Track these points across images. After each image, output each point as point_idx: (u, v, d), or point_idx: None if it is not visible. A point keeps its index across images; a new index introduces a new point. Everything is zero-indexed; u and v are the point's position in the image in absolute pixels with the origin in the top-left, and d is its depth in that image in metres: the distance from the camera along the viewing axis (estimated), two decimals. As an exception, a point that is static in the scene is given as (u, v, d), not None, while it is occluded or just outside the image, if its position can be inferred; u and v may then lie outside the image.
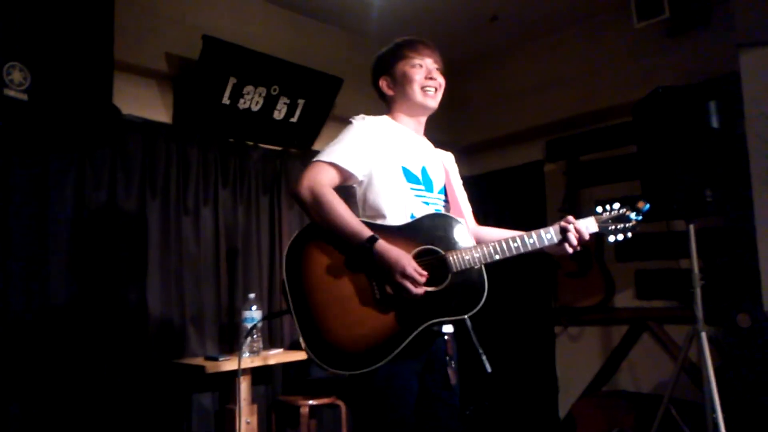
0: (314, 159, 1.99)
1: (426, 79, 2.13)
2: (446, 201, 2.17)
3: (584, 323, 4.84)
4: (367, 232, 1.85)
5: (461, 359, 2.13)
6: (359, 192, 2.03)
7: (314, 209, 1.91)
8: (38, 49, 1.84)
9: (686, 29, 4.09)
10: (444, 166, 2.25)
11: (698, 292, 3.26)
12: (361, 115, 2.12)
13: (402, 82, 2.14)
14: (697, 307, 3.24)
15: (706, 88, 3.47)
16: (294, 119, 4.17)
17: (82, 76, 2.04)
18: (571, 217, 2.04)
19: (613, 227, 2.08)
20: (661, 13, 3.94)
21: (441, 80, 2.17)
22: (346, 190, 2.04)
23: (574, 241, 2.01)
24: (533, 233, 2.03)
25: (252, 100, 3.87)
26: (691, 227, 3.33)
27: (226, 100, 3.74)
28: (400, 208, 1.99)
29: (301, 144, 4.37)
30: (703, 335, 3.16)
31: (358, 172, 1.99)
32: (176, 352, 3.52)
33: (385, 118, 2.18)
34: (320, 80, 4.15)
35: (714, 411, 2.98)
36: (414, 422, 1.95)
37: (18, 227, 3.02)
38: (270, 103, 3.98)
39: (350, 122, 2.11)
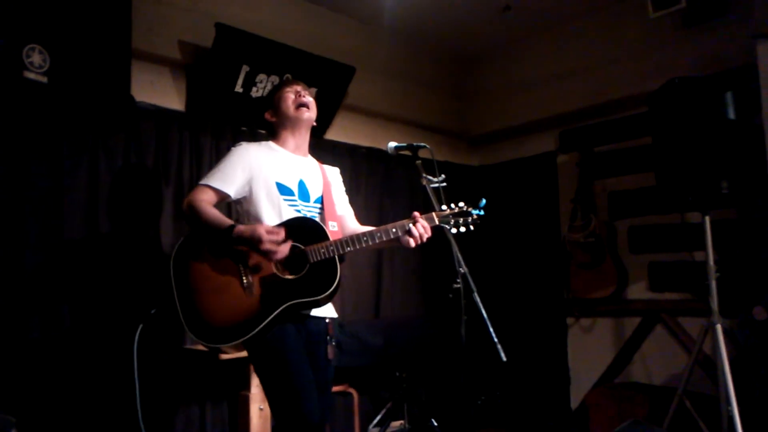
0: (197, 182, 2.47)
1: (297, 97, 2.55)
2: (322, 208, 2.56)
3: (597, 315, 4.83)
4: (228, 222, 2.28)
5: (476, 349, 2.15)
6: (245, 206, 2.47)
7: (190, 217, 2.34)
8: (57, 32, 1.84)
9: (702, 19, 4.05)
10: (326, 179, 2.65)
11: (713, 284, 3.24)
12: (240, 143, 2.55)
13: (278, 106, 2.56)
14: (713, 300, 3.22)
15: (723, 78, 3.43)
16: (306, 108, 4.16)
17: (99, 63, 2.04)
18: (416, 213, 2.40)
19: (454, 221, 2.43)
20: (677, 3, 3.90)
21: (310, 98, 2.58)
22: (238, 204, 2.50)
23: (416, 234, 2.37)
24: (382, 229, 2.40)
25: (265, 88, 3.86)
26: (707, 219, 3.30)
27: (239, 88, 3.74)
28: (273, 215, 2.41)
29: (314, 133, 4.30)
30: (719, 328, 3.14)
31: (231, 191, 2.41)
32: (190, 339, 3.53)
33: (267, 143, 2.60)
34: (333, 69, 4.13)
35: (729, 404, 2.96)
36: (306, 363, 2.30)
37: (34, 213, 3.05)
38: (283, 92, 3.97)
39: (231, 149, 2.53)
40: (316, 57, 4.00)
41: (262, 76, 3.80)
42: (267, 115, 2.61)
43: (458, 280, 2.38)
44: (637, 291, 4.59)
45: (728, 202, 3.34)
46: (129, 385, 3.03)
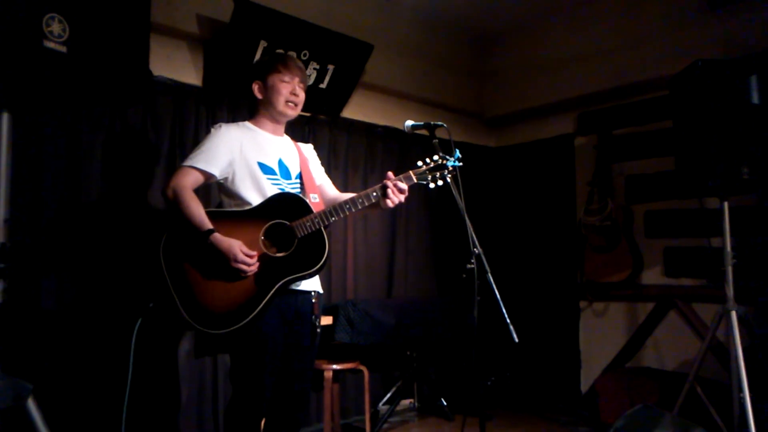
0: (180, 164, 2.47)
1: (290, 94, 2.54)
2: (302, 183, 2.61)
3: (610, 299, 4.81)
4: (207, 226, 2.30)
5: (488, 330, 2.14)
6: (228, 186, 2.48)
7: (173, 205, 2.36)
8: (77, 1, 1.84)
9: (727, 1, 3.97)
10: (302, 155, 2.70)
11: (729, 270, 3.21)
12: (219, 124, 2.53)
13: (270, 91, 2.53)
14: (728, 286, 3.19)
15: (748, 62, 3.36)
16: (323, 85, 4.14)
17: (118, 35, 2.03)
18: (390, 174, 2.47)
19: (431, 176, 2.48)
20: (702, -16, 3.83)
21: (302, 96, 2.59)
22: (221, 186, 2.52)
23: (393, 197, 2.43)
24: (362, 194, 2.44)
25: (282, 64, 3.84)
26: (726, 205, 3.26)
27: (256, 64, 3.72)
28: (258, 194, 2.45)
29: (330, 110, 4.35)
30: (733, 314, 3.11)
31: (216, 171, 2.42)
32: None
33: (244, 123, 2.60)
34: (351, 46, 4.10)
35: (741, 391, 2.95)
36: (277, 365, 2.41)
37: (51, 182, 3.08)
38: (300, 68, 3.95)
39: (210, 130, 2.52)
40: (334, 33, 3.97)
41: (279, 52, 3.78)
42: (255, 88, 2.56)
43: (472, 261, 2.37)
44: (652, 276, 4.56)
45: (748, 188, 3.29)
46: (122, 381, 2.89)
